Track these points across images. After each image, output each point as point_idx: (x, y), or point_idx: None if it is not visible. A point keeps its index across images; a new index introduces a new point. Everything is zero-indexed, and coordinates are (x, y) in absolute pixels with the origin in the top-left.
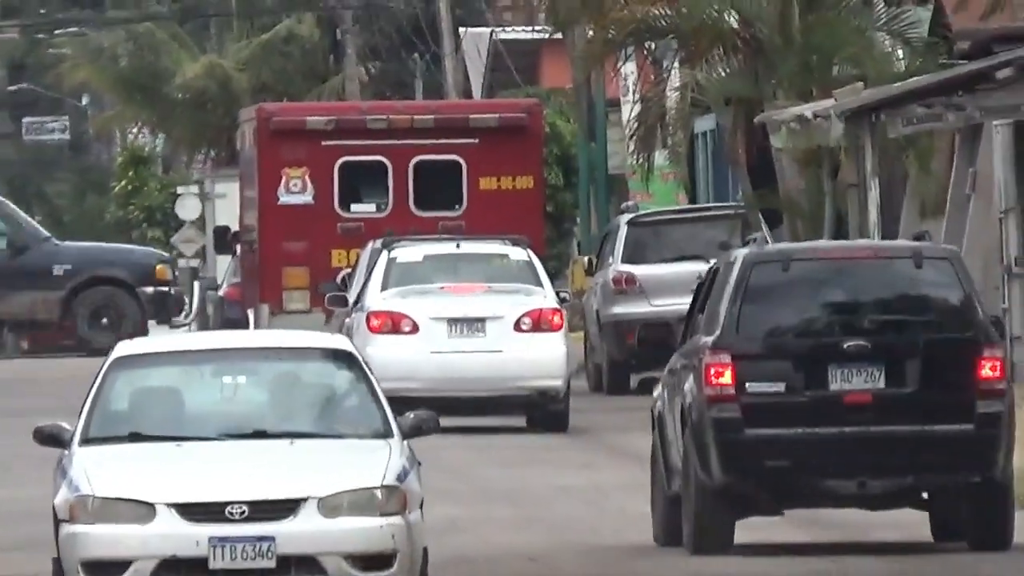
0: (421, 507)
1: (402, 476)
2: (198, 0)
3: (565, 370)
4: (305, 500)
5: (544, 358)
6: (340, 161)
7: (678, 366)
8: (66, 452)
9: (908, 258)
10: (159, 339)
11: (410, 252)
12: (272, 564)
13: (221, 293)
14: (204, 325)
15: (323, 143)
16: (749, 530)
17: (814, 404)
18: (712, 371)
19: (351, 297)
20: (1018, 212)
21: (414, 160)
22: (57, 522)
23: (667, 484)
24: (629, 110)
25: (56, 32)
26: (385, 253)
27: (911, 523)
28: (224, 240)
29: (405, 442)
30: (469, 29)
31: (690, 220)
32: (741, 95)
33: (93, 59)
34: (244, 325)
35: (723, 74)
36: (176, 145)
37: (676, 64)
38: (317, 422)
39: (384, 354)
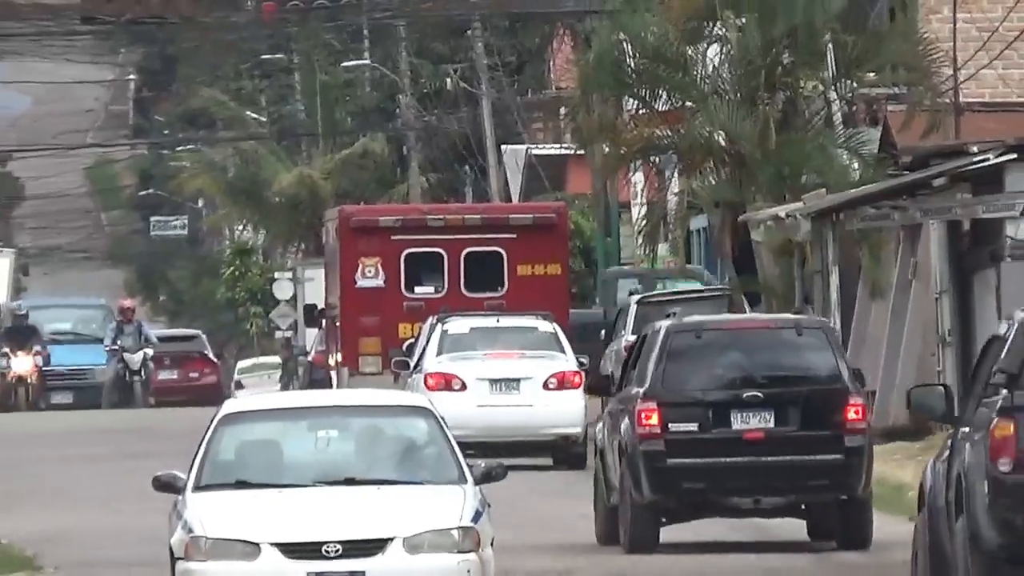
0: (492, 544)
1: (476, 517)
2: (291, 122)
3: (583, 419)
4: (392, 539)
5: (566, 410)
6: (405, 252)
7: (616, 409)
8: (180, 497)
9: (791, 328)
10: (262, 398)
11: (459, 325)
12: None
13: (310, 358)
14: (293, 384)
15: (392, 237)
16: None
17: (720, 440)
18: (643, 415)
19: (412, 361)
20: (950, 293)
21: (465, 251)
22: (174, 560)
23: (607, 498)
24: (638, 211)
25: (177, 148)
26: (440, 326)
27: (793, 528)
28: (312, 315)
29: (477, 487)
30: (509, 146)
31: (688, 300)
32: (728, 199)
33: (206, 170)
34: (328, 385)
35: (713, 182)
36: (273, 239)
37: (675, 174)
38: (400, 470)
39: (438, 408)
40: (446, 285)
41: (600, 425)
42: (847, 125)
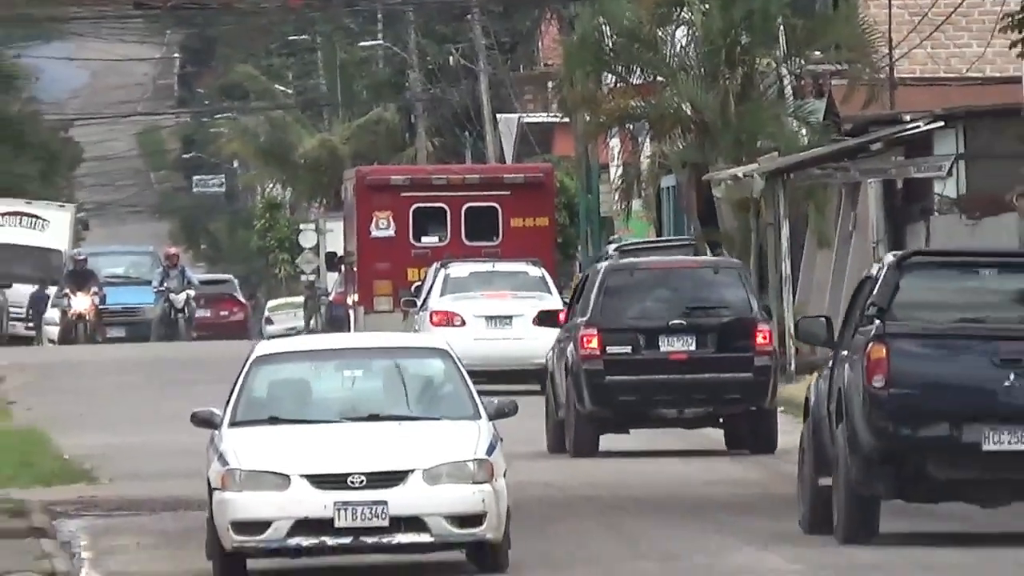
0: (504, 475)
1: (490, 450)
2: (314, 94)
3: None
4: (412, 471)
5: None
6: (413, 207)
7: (563, 337)
8: (216, 433)
9: (710, 268)
10: (291, 340)
11: (460, 270)
12: (385, 523)
13: (330, 299)
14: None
15: (402, 194)
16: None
17: (650, 360)
18: (585, 339)
19: (419, 301)
20: (886, 243)
21: (465, 206)
22: (211, 490)
23: (556, 412)
24: (615, 171)
25: (215, 116)
26: (443, 270)
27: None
28: (332, 261)
29: (491, 423)
30: (503, 115)
31: (657, 248)
32: (693, 161)
33: (241, 136)
34: (346, 321)
35: (680, 146)
36: (299, 195)
37: (647, 139)
38: (419, 407)
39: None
40: (448, 235)
41: (550, 352)
42: (796, 97)
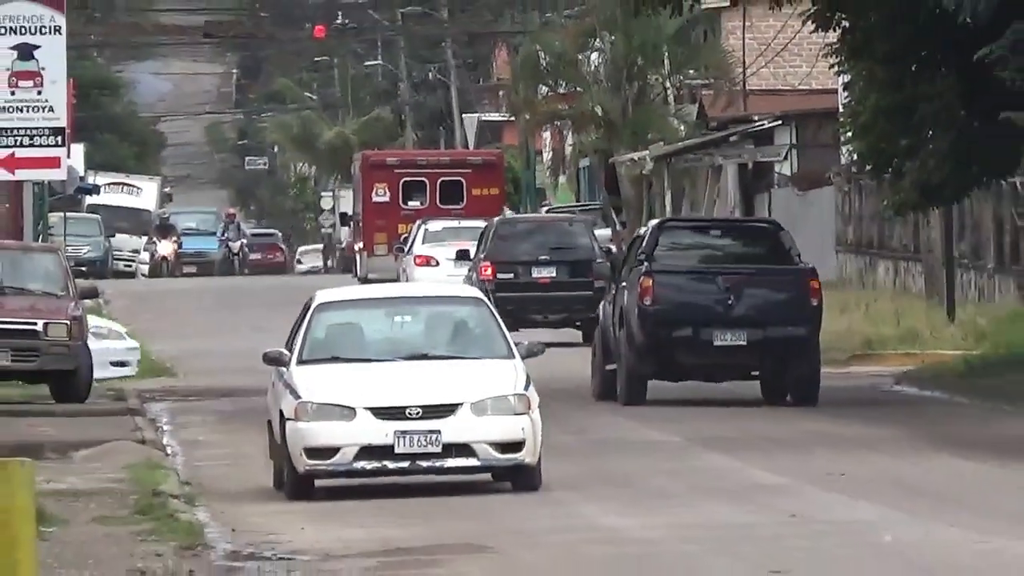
0: (538, 408)
1: (526, 386)
2: (332, 99)
3: None
4: (461, 404)
5: None
6: (402, 180)
7: (471, 269)
8: (285, 370)
9: (566, 222)
10: (346, 290)
11: (436, 225)
12: (439, 449)
13: (342, 246)
14: (331, 260)
15: (394, 171)
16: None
17: (526, 283)
18: (482, 269)
19: (406, 248)
20: (740, 209)
21: (439, 179)
22: (283, 420)
23: None
24: (547, 156)
25: (262, 115)
26: (423, 225)
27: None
28: (344, 219)
29: (522, 362)
30: (467, 115)
31: (579, 209)
32: (602, 148)
33: (279, 129)
34: (353, 263)
35: (594, 138)
36: (320, 172)
37: (570, 133)
38: (462, 348)
39: (422, 277)
40: (428, 201)
41: (464, 277)
42: (676, 103)
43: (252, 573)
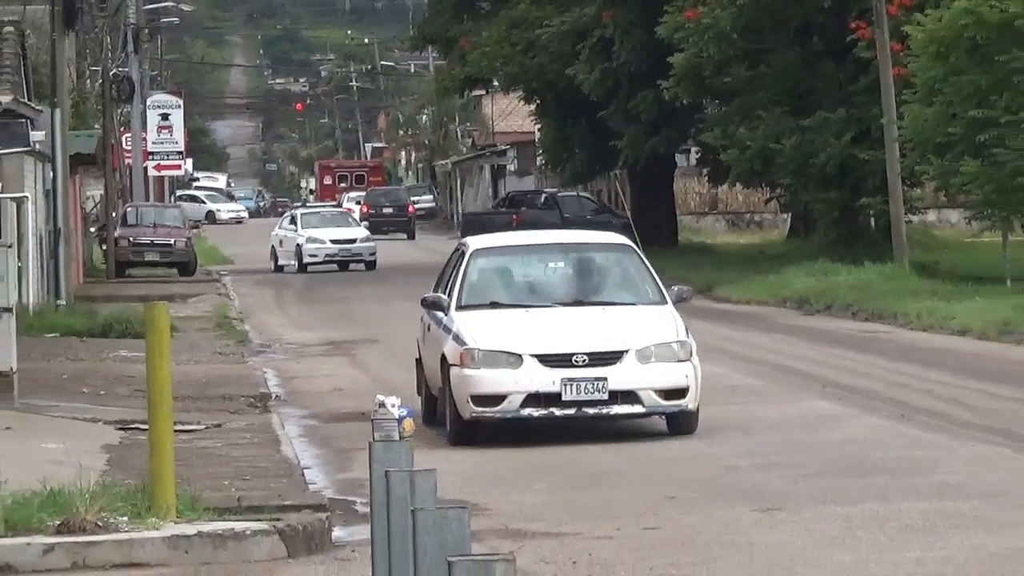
0: (697, 353)
1: (686, 332)
2: (307, 135)
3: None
4: (627, 351)
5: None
6: (337, 174)
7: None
8: (445, 315)
9: (403, 190)
10: (499, 236)
11: (354, 196)
12: (605, 396)
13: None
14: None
15: (334, 169)
16: None
17: (383, 215)
18: (363, 208)
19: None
20: (490, 190)
21: (355, 174)
22: (447, 365)
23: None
24: (403, 162)
25: (272, 144)
26: (346, 194)
27: None
28: (311, 193)
29: (674, 307)
30: (367, 143)
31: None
32: (428, 159)
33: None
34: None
35: (424, 154)
36: (302, 172)
37: (414, 151)
38: (616, 294)
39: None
40: (349, 184)
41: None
42: (463, 136)
43: (271, 351)
